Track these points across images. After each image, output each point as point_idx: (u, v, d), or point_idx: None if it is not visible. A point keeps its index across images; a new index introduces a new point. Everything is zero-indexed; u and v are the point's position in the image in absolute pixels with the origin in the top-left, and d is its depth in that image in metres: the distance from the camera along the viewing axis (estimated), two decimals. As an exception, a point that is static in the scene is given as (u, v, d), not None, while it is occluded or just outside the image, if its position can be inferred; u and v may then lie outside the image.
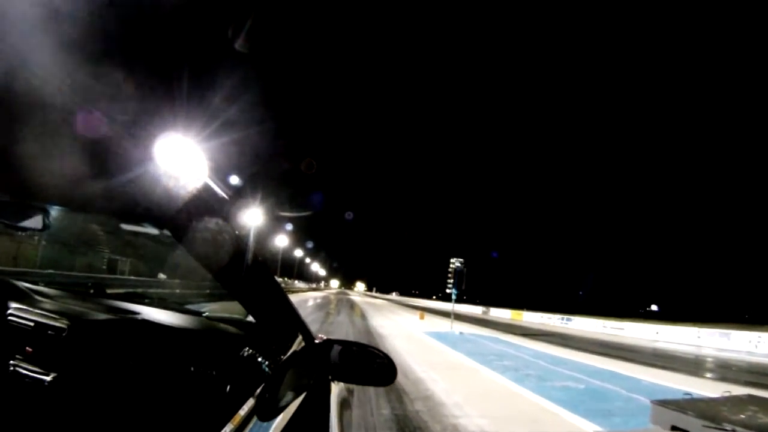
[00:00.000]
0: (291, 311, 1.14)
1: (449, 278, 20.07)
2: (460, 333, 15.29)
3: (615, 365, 9.72)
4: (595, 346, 15.27)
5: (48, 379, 0.97)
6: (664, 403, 3.66)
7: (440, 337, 13.44)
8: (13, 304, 1.12)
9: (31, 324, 1.06)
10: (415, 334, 13.77)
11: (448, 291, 17.51)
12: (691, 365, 11.62)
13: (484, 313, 44.51)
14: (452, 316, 17.29)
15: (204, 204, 0.71)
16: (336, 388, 1.45)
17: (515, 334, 17.96)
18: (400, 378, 6.40)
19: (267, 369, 1.03)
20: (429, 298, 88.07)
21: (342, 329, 12.76)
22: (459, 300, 17.76)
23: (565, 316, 31.49)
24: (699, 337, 19.94)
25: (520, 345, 13.13)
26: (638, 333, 23.12)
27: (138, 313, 1.26)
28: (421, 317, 22.21)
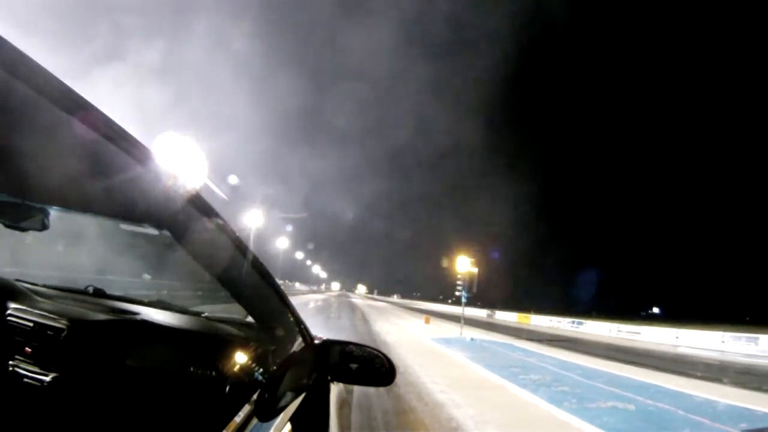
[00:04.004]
0: (291, 312, 1.17)
1: (459, 280, 18.91)
2: (471, 339, 14.21)
3: (652, 377, 8.73)
4: (617, 352, 14.32)
5: (47, 379, 0.97)
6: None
7: (451, 344, 12.38)
8: (13, 305, 1.11)
9: (31, 324, 1.06)
10: (423, 342, 12.73)
11: (457, 293, 16.32)
12: (734, 374, 10.49)
13: (489, 316, 43.51)
14: (462, 321, 16.16)
15: (204, 204, 0.73)
16: (335, 389, 1.48)
17: (530, 339, 16.90)
18: (414, 402, 5.28)
19: (267, 369, 1.05)
20: (432, 300, 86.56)
21: (343, 336, 11.63)
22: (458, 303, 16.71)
23: (575, 320, 30.39)
24: (723, 341, 18.85)
25: (541, 353, 12.01)
26: (656, 337, 22.02)
27: (137, 314, 1.25)
28: (427, 321, 21.23)
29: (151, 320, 1.23)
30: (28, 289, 1.25)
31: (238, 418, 0.81)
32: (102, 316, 1.18)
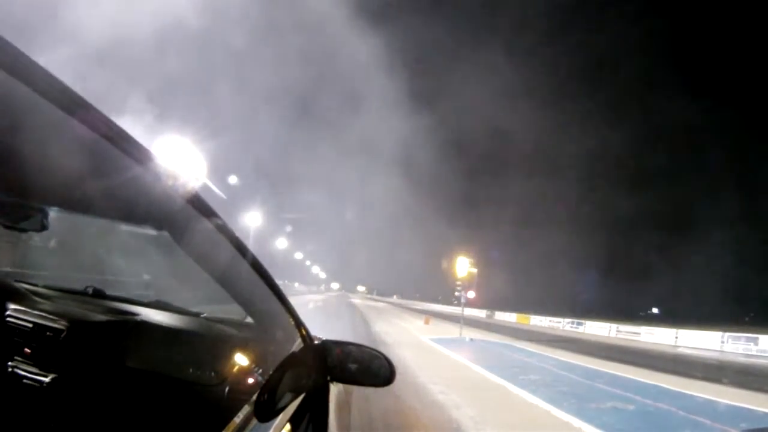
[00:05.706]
0: (290, 312, 1.17)
1: (458, 281, 18.94)
2: (471, 340, 14.24)
3: (652, 377, 8.75)
4: (617, 353, 14.32)
5: (46, 380, 0.96)
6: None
7: (451, 345, 12.40)
8: (12, 306, 1.10)
9: (30, 325, 1.05)
10: (423, 342, 12.74)
11: (457, 294, 16.35)
12: (734, 374, 10.48)
13: (489, 316, 43.48)
14: (462, 322, 16.16)
15: (203, 205, 0.72)
16: (335, 389, 1.46)
17: (530, 340, 16.89)
18: (414, 403, 5.26)
19: (266, 370, 1.04)
20: (431, 301, 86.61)
21: (342, 337, 11.60)
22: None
23: (575, 320, 30.40)
24: (723, 342, 18.88)
25: (541, 354, 12.02)
26: (656, 338, 22.08)
27: (137, 315, 1.24)
28: (426, 322, 21.27)
29: (150, 321, 1.22)
30: (27, 289, 1.24)
31: (238, 419, 0.81)
32: (101, 317, 1.18)
